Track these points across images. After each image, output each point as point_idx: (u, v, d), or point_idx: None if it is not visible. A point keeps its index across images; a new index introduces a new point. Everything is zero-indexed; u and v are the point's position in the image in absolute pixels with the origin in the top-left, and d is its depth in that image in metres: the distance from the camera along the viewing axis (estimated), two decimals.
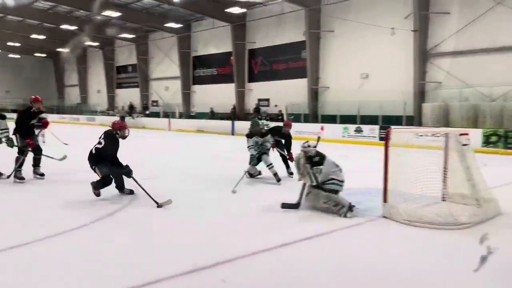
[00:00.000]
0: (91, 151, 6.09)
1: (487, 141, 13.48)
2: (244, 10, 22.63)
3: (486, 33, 15.57)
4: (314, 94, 21.20)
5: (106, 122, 29.85)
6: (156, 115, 29.25)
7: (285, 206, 5.47)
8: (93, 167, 6.00)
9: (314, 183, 5.39)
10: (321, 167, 5.39)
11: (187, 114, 27.85)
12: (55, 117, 34.49)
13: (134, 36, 30.09)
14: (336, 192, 5.34)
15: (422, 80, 17.36)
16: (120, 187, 6.22)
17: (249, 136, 7.90)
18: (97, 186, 5.87)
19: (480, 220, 4.89)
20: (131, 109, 30.77)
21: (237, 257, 3.75)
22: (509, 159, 11.84)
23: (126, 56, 33.63)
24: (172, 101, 29.40)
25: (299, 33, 21.48)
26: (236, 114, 24.34)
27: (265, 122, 11.22)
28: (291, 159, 7.86)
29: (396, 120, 17.46)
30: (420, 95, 17.35)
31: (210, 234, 4.54)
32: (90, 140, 6.98)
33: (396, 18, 17.66)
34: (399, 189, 5.28)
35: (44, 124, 7.59)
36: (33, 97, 7.52)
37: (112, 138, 6.12)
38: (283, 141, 8.36)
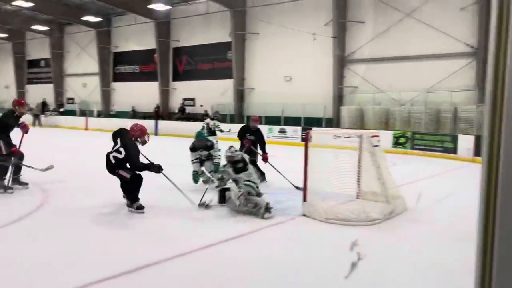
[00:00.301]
0: (109, 160, 5.48)
1: (396, 142, 14.62)
2: (168, 7, 22.16)
3: (396, 43, 16.87)
4: (240, 95, 21.40)
5: None
6: (71, 113, 27.53)
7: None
8: (116, 171, 5.45)
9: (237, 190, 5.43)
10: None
11: (106, 112, 26.58)
12: None
13: (48, 28, 28.01)
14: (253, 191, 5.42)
15: (340, 85, 18.33)
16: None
17: (192, 150, 7.31)
18: (133, 198, 5.40)
19: (389, 216, 5.29)
20: (44, 107, 28.60)
21: (155, 262, 3.66)
22: (416, 159, 12.93)
23: (38, 49, 31.18)
24: (90, 99, 27.89)
25: (225, 33, 21.55)
26: (159, 114, 23.76)
27: (216, 122, 10.76)
28: (266, 160, 7.47)
29: (317, 122, 18.24)
30: (339, 98, 18.31)
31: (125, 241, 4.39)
32: None
33: (318, 24, 18.45)
34: (318, 188, 5.55)
35: (25, 129, 6.74)
36: (16, 99, 6.88)
37: (133, 147, 5.50)
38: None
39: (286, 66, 19.83)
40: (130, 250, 4.01)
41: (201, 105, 23.05)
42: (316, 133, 5.80)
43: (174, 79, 24.71)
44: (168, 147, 11.75)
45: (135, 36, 25.61)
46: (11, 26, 28.56)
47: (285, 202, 6.12)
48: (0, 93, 34.34)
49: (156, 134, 21.42)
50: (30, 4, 22.39)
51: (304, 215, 5.30)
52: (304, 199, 5.38)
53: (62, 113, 27.52)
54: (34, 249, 3.96)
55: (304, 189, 5.41)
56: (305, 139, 5.48)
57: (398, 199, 5.71)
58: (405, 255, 4.16)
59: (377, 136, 5.90)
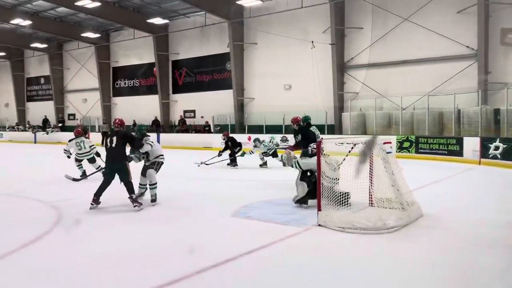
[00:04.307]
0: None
1: (400, 147, 14.58)
2: (166, 21, 22.28)
3: (396, 47, 16.95)
4: (240, 105, 21.42)
5: (16, 138, 27.53)
6: (73, 128, 27.45)
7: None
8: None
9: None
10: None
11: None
12: None
13: (46, 46, 28.12)
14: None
15: (341, 91, 18.37)
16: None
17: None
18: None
19: (406, 222, 5.23)
20: (45, 124, 28.63)
21: (177, 279, 3.60)
22: (421, 163, 12.87)
23: (38, 67, 31.29)
24: (92, 114, 27.89)
25: (223, 45, 21.64)
26: (159, 126, 23.74)
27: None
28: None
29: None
30: (340, 105, 18.33)
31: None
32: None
33: (316, 32, 18.55)
34: (332, 197, 5.51)
35: None
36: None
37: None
38: None
39: (286, 75, 19.89)
40: (153, 265, 3.94)
41: (202, 117, 23.08)
42: (327, 141, 5.75)
43: (174, 92, 24.77)
44: (171, 159, 11.70)
45: (134, 51, 25.72)
46: (10, 44, 28.65)
47: (299, 211, 6.08)
48: (0, 111, 34.42)
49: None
50: (28, 23, 22.49)
51: (319, 225, 5.24)
52: (319, 208, 5.32)
53: (63, 129, 27.46)
54: (58, 267, 3.90)
55: (318, 198, 5.36)
56: (317, 148, 5.43)
57: (413, 205, 5.66)
58: (425, 261, 4.10)
59: (389, 142, 5.86)
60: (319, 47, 18.07)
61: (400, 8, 16.69)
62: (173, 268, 3.87)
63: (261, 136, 13.88)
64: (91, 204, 6.18)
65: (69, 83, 29.81)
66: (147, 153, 6.92)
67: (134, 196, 6.32)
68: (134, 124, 24.61)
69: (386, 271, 3.88)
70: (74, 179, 9.01)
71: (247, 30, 21.04)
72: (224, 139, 12.87)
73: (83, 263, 4.08)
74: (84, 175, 9.46)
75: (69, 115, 29.95)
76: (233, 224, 5.62)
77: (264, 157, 12.25)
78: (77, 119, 28.69)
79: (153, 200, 6.67)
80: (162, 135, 21.48)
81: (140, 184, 6.98)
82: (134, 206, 6.25)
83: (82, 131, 10.15)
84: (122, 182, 6.36)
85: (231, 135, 13.50)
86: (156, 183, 6.78)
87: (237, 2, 18.28)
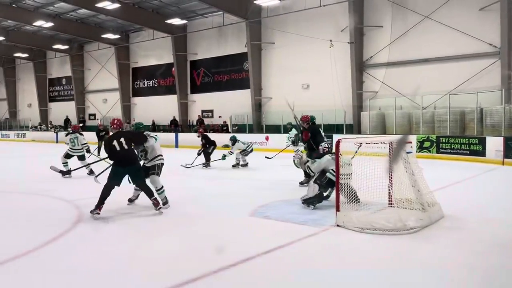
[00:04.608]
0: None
1: (421, 147, 14.33)
2: (184, 21, 22.44)
3: (416, 46, 16.67)
4: (258, 105, 21.42)
5: (38, 137, 28.16)
6: (94, 128, 27.93)
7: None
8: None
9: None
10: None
11: (127, 127, 26.88)
12: None
13: (68, 47, 28.70)
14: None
15: (360, 90, 18.17)
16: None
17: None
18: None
19: (426, 224, 5.13)
20: (67, 123, 29.20)
21: (196, 277, 3.61)
22: (442, 163, 12.63)
23: (59, 68, 31.96)
24: (112, 114, 28.28)
25: (240, 44, 21.67)
26: (177, 126, 23.93)
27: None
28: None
29: (337, 129, 18.09)
30: (358, 104, 18.13)
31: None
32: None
33: (334, 31, 18.39)
34: (351, 197, 5.45)
35: None
36: None
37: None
38: None
39: (303, 74, 19.78)
40: (172, 264, 3.97)
41: (220, 116, 23.18)
42: (345, 141, 5.69)
43: (192, 92, 24.93)
44: (189, 159, 11.78)
45: (153, 51, 26.00)
46: (33, 46, 29.33)
47: (317, 212, 6.03)
48: (23, 112, 35.28)
49: (176, 146, 21.60)
50: (50, 24, 22.97)
51: (338, 225, 5.19)
52: (337, 209, 5.27)
53: (84, 129, 27.94)
54: (78, 265, 3.96)
55: (337, 199, 5.31)
56: (336, 149, 5.38)
57: (434, 206, 5.55)
58: (445, 263, 4.02)
59: (410, 142, 5.77)
60: (338, 46, 17.92)
61: (421, 5, 16.41)
62: (191, 267, 3.89)
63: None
64: (97, 213, 5.68)
65: (89, 83, 30.33)
66: (145, 151, 6.55)
67: (157, 198, 6.05)
68: (153, 124, 24.90)
69: (406, 272, 3.82)
70: (62, 172, 9.64)
71: (265, 30, 21.02)
72: (198, 137, 12.37)
73: (102, 262, 4.14)
74: (68, 172, 9.84)
75: (89, 115, 30.48)
76: (251, 224, 5.61)
77: (240, 158, 11.82)
78: (97, 119, 29.16)
79: (165, 203, 6.32)
80: (180, 135, 21.67)
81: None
82: (158, 208, 5.94)
83: (79, 127, 10.59)
84: (135, 185, 6.16)
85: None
86: (162, 187, 6.38)
87: (255, 2, 18.26)
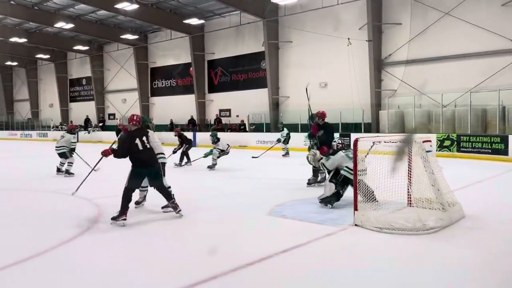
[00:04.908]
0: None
1: (441, 145, 14.10)
2: (202, 21, 22.58)
3: (436, 43, 16.39)
4: (275, 104, 21.40)
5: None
6: (114, 128, 28.38)
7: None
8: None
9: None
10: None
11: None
12: (4, 133, 32.83)
13: (88, 48, 29.22)
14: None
15: (378, 88, 17.97)
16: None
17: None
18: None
19: (446, 224, 5.05)
20: (87, 123, 29.77)
21: (213, 276, 3.64)
22: (463, 162, 12.40)
23: (80, 68, 32.58)
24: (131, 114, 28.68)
25: (258, 43, 21.68)
26: (195, 125, 24.09)
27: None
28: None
29: (355, 127, 17.93)
30: (377, 102, 17.93)
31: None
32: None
33: (352, 29, 18.22)
34: (369, 196, 5.40)
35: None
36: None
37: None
38: None
39: (321, 73, 19.65)
40: (189, 264, 4.01)
41: (237, 115, 23.25)
42: (363, 140, 5.64)
43: (210, 91, 25.07)
44: (206, 159, 11.84)
45: (171, 51, 26.24)
46: (54, 47, 29.94)
47: (335, 211, 6.01)
48: (45, 112, 36.08)
49: (195, 146, 21.72)
50: (70, 26, 23.42)
51: (356, 225, 5.16)
52: (356, 208, 5.23)
53: (103, 129, 28.45)
54: (93, 266, 4.04)
55: (355, 198, 5.27)
56: (354, 148, 5.35)
57: (454, 205, 5.46)
58: (465, 263, 3.96)
59: (429, 141, 5.68)
60: (356, 44, 17.75)
61: (440, 2, 16.12)
62: (209, 266, 3.91)
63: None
64: (123, 219, 5.30)
65: (109, 83, 30.81)
66: None
67: (175, 201, 5.70)
68: (171, 123, 25.13)
69: (424, 272, 3.77)
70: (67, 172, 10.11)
71: (282, 29, 20.97)
72: (175, 135, 12.54)
73: (119, 261, 4.20)
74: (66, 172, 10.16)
75: (109, 115, 30.97)
76: (269, 223, 5.62)
77: (217, 160, 11.22)
78: (117, 119, 29.61)
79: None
80: (198, 134, 21.81)
81: (141, 186, 6.13)
82: (178, 211, 5.64)
83: (75, 127, 11.01)
84: (155, 187, 5.74)
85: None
86: (169, 187, 5.98)
87: (272, 1, 18.23)
